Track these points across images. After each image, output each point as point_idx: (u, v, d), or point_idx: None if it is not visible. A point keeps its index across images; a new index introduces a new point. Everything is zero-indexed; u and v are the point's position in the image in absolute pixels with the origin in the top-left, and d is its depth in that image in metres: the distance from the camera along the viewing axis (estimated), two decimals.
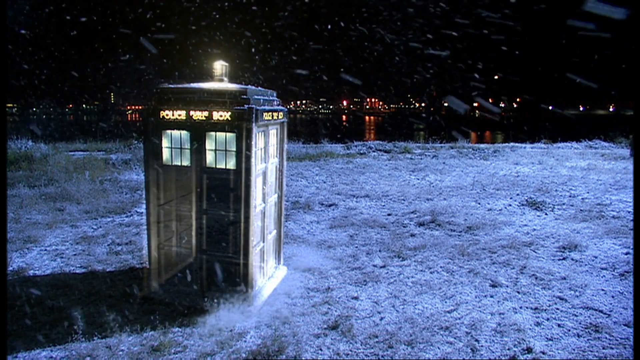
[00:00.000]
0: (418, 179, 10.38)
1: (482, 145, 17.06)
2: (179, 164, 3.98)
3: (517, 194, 8.67)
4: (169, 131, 3.93)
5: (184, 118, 3.78)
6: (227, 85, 3.99)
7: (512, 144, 17.92)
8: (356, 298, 4.23)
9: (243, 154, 3.66)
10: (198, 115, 3.74)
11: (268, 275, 4.49)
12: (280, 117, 4.31)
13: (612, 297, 4.29)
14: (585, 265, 5.10)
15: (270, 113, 4.03)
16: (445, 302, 4.19)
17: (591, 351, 3.39)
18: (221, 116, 3.68)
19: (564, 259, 5.29)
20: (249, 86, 3.94)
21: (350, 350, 3.35)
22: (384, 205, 7.87)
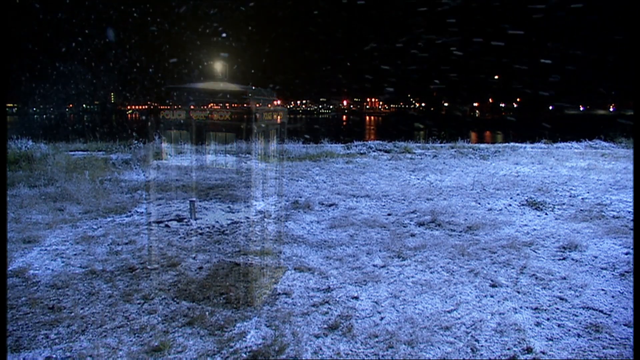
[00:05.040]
0: (418, 179, 10.38)
1: (482, 145, 17.05)
2: (179, 163, 3.98)
3: (517, 194, 8.67)
4: (169, 131, 3.94)
5: (184, 118, 3.79)
6: (227, 86, 4.00)
7: (512, 144, 17.89)
8: (356, 298, 4.23)
9: (243, 154, 3.66)
10: (198, 115, 3.75)
11: (268, 275, 4.49)
12: (280, 117, 4.31)
13: (612, 297, 4.29)
14: (586, 265, 5.10)
15: (270, 113, 4.03)
16: (446, 302, 4.18)
17: (591, 351, 3.39)
18: (221, 116, 3.69)
19: (564, 259, 5.29)
20: (249, 86, 3.94)
21: (351, 350, 3.35)
22: (384, 205, 7.87)
